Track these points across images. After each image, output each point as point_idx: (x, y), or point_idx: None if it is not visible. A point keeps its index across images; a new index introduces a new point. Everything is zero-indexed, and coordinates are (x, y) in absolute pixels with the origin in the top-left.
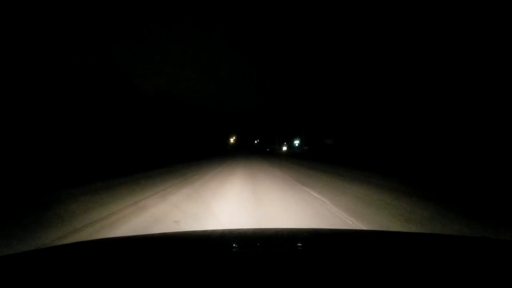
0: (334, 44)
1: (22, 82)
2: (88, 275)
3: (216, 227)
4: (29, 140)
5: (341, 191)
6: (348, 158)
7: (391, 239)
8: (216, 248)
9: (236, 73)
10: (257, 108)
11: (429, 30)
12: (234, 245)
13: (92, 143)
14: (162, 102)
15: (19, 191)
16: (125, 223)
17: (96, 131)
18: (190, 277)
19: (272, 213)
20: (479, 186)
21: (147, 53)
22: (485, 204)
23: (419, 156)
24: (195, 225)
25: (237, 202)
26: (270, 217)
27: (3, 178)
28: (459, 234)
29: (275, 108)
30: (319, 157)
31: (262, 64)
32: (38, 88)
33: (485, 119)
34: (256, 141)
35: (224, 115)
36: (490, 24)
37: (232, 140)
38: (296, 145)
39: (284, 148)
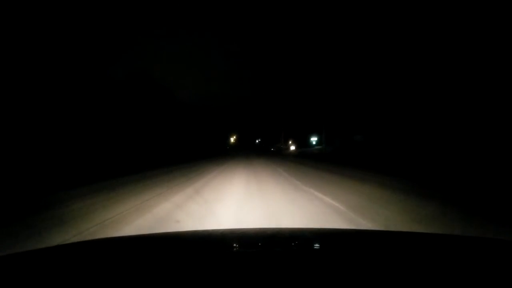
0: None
1: (19, 83)
2: (89, 274)
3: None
4: (26, 140)
5: None
6: (390, 160)
7: (393, 239)
8: (217, 248)
9: (234, 68)
10: (258, 107)
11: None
12: (235, 244)
13: (88, 142)
14: (159, 100)
15: (22, 192)
16: None
17: (90, 130)
18: (192, 276)
19: None
20: None
21: (146, 52)
22: None
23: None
24: None
25: None
26: None
27: (6, 179)
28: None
29: (281, 102)
30: (350, 159)
31: (261, 54)
32: (36, 87)
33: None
34: (257, 140)
35: (223, 114)
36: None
37: (232, 139)
38: (314, 142)
39: (293, 148)
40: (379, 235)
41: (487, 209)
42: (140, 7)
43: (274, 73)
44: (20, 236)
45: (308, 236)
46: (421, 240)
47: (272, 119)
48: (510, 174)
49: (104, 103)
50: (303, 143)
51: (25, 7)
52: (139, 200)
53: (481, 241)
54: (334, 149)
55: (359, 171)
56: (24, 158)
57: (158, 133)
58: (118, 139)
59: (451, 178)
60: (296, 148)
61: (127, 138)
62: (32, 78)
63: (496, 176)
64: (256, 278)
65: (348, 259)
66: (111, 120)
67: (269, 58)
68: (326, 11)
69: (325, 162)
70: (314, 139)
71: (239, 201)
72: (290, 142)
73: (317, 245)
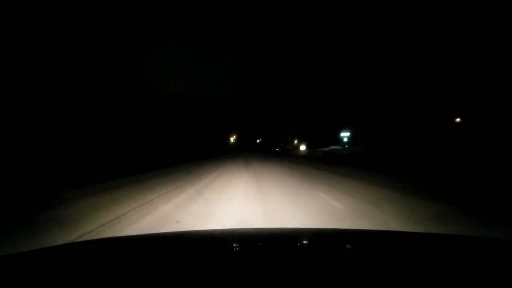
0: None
1: (19, 83)
2: (90, 274)
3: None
4: (26, 140)
5: None
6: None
7: (394, 239)
8: (217, 248)
9: (233, 65)
10: (259, 105)
11: None
12: (236, 244)
13: (82, 142)
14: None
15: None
16: None
17: (85, 130)
18: (192, 276)
19: None
20: None
21: (144, 52)
22: None
23: None
24: None
25: None
26: None
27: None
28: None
29: (289, 99)
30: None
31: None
32: (37, 88)
33: None
34: (258, 140)
35: (222, 113)
36: None
37: (232, 139)
38: (345, 140)
39: (303, 147)
40: (379, 235)
41: None
42: (140, 6)
43: (280, 68)
44: (20, 237)
45: (308, 236)
46: (421, 240)
47: (274, 118)
48: None
49: (101, 102)
50: (314, 142)
51: (25, 7)
52: None
53: (481, 241)
54: (374, 148)
55: None
56: (24, 159)
57: (148, 132)
58: (104, 139)
59: None
60: (306, 148)
61: (112, 138)
62: (32, 79)
63: None
64: (256, 278)
65: (348, 259)
66: (101, 119)
67: (272, 50)
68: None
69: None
70: (345, 135)
71: None
72: (295, 142)
73: (317, 245)
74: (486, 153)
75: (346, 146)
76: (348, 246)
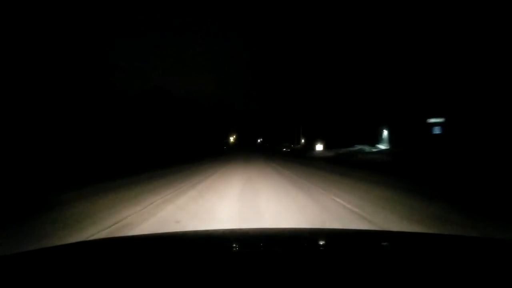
0: None
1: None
2: (90, 274)
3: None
4: (25, 139)
5: None
6: None
7: (394, 239)
8: (217, 248)
9: (232, 63)
10: (260, 103)
11: None
12: (236, 245)
13: (72, 144)
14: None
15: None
16: None
17: (76, 130)
18: (192, 276)
19: None
20: None
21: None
22: None
23: None
24: None
25: None
26: None
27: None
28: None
29: (299, 94)
30: None
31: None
32: (37, 89)
33: None
34: (259, 140)
35: (220, 112)
36: None
37: (232, 139)
38: (384, 135)
39: (319, 147)
40: (380, 235)
41: None
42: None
43: (287, 57)
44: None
45: (308, 237)
46: (422, 240)
47: (279, 115)
48: None
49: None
50: (332, 141)
51: (25, 7)
52: None
53: (481, 241)
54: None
55: None
56: (24, 158)
57: (143, 132)
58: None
59: None
60: (324, 148)
61: (99, 139)
62: (33, 80)
63: None
64: (256, 278)
65: (348, 259)
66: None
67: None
68: None
69: None
70: (387, 134)
71: None
72: (303, 141)
73: (317, 245)
74: None
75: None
76: (348, 247)
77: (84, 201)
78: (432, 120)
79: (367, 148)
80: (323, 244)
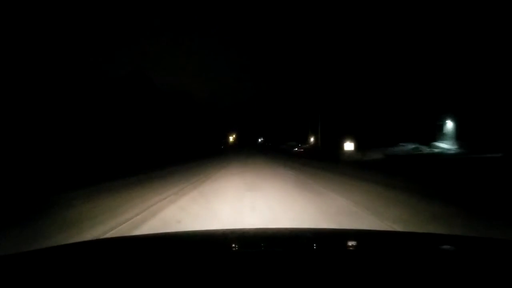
0: None
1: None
2: (90, 274)
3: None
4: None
5: None
6: None
7: (394, 239)
8: (218, 248)
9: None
10: (261, 101)
11: None
12: (236, 245)
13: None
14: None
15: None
16: None
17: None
18: (192, 276)
19: None
20: None
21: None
22: None
23: None
24: None
25: None
26: None
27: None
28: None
29: (316, 81)
30: None
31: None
32: (37, 87)
33: None
34: (260, 140)
35: (219, 111)
36: None
37: (231, 138)
38: (448, 128)
39: (349, 147)
40: (379, 235)
41: None
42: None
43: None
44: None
45: (308, 236)
46: (422, 241)
47: (283, 113)
48: None
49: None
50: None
51: (24, 7)
52: None
53: (481, 241)
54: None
55: None
56: (24, 158)
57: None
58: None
59: None
60: (356, 149)
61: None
62: (32, 79)
63: None
64: (256, 278)
65: (348, 259)
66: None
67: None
68: None
69: None
70: (452, 127)
71: None
72: (312, 139)
73: (317, 245)
74: None
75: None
76: (348, 247)
77: None
78: None
79: (426, 149)
80: (323, 244)
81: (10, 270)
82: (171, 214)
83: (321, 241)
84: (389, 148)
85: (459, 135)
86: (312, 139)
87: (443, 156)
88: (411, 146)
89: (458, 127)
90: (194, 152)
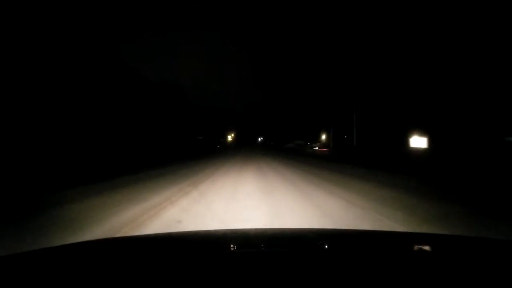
0: None
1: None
2: (90, 274)
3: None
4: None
5: None
6: None
7: (395, 240)
8: (219, 248)
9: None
10: (260, 101)
11: None
12: (237, 245)
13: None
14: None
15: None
16: None
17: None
18: (193, 277)
19: None
20: None
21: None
22: None
23: None
24: None
25: None
26: None
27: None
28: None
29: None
30: None
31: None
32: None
33: None
34: (260, 139)
35: (214, 110)
36: None
37: (229, 138)
38: None
39: (418, 144)
40: (381, 235)
41: None
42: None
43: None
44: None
45: (310, 237)
46: (423, 241)
47: (283, 110)
48: None
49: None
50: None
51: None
52: None
53: (481, 241)
54: None
55: None
56: (23, 156)
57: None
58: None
59: None
60: (430, 146)
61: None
62: (36, 79)
63: None
64: (257, 279)
65: (350, 259)
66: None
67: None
68: None
69: None
70: None
71: None
72: (324, 137)
73: (319, 245)
74: None
75: None
76: (350, 247)
77: None
78: None
79: None
80: (325, 245)
81: (10, 270)
82: None
83: (323, 241)
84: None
85: None
86: (324, 137)
87: None
88: None
89: None
90: (181, 152)
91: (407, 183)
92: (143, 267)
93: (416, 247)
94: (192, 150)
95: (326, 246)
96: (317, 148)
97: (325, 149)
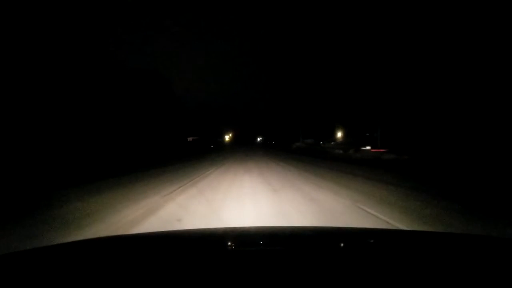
0: None
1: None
2: (90, 272)
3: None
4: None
5: None
6: None
7: (395, 238)
8: (218, 246)
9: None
10: (262, 99)
11: None
12: (237, 243)
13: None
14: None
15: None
16: None
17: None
18: (193, 275)
19: None
20: None
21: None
22: None
23: None
24: None
25: None
26: None
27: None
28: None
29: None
30: None
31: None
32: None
33: None
34: (259, 138)
35: (212, 110)
36: None
37: (227, 138)
38: None
39: None
40: (380, 233)
41: None
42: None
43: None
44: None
45: (309, 235)
46: (423, 239)
47: (282, 113)
48: None
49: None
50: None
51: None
52: None
53: (481, 241)
54: None
55: None
56: (23, 155)
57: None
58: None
59: None
60: None
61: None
62: (34, 79)
63: None
64: (257, 277)
65: (349, 257)
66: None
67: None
68: None
69: None
70: None
71: None
72: (339, 135)
73: (318, 243)
74: None
75: None
76: (349, 245)
77: None
78: None
79: None
80: (324, 243)
81: (9, 269)
82: None
83: (322, 239)
84: None
85: None
86: (339, 134)
87: None
88: None
89: None
90: (174, 153)
91: None
92: (143, 266)
93: (416, 245)
94: (188, 151)
95: (325, 244)
96: (341, 151)
97: (382, 150)
